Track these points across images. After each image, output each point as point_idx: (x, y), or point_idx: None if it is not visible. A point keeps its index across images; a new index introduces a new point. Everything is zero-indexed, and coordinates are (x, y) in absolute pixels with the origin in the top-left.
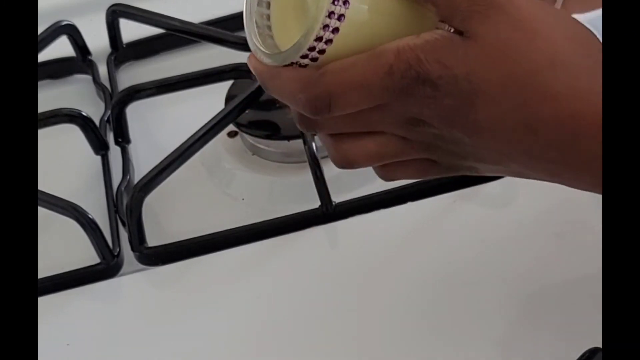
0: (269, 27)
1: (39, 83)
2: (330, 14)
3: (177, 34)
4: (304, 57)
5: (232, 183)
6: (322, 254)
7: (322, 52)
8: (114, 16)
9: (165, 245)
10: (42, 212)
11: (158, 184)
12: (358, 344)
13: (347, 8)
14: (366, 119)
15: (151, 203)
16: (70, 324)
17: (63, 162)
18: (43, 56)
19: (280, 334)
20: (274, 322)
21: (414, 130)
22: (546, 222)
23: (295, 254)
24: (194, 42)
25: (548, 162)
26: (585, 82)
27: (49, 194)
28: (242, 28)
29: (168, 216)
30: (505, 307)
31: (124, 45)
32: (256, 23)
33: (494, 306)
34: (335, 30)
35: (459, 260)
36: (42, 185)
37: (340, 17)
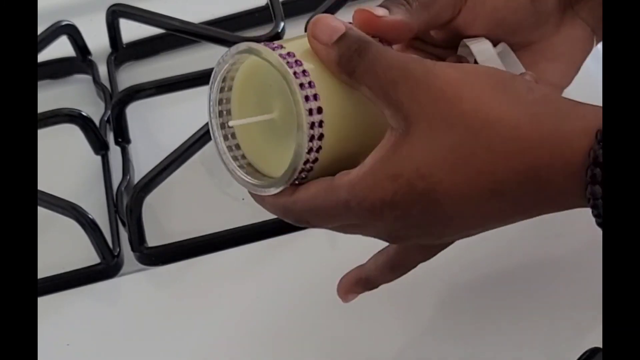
0: (244, 156)
1: (39, 83)
2: (309, 150)
3: (177, 34)
4: (296, 179)
5: (232, 183)
6: (321, 254)
7: (305, 176)
8: (114, 16)
9: (165, 245)
10: (42, 212)
11: (158, 184)
12: (358, 344)
13: (323, 140)
14: (349, 230)
15: (151, 203)
16: (70, 324)
17: (63, 162)
18: (43, 56)
19: (280, 334)
20: (273, 322)
21: (394, 241)
22: (546, 223)
23: (295, 254)
24: (194, 42)
25: (521, 213)
26: (525, 129)
27: (49, 194)
28: (242, 28)
29: (168, 216)
30: (505, 307)
31: (124, 45)
32: (232, 157)
33: (494, 306)
34: (314, 161)
35: (461, 260)
36: (42, 185)
37: (318, 149)
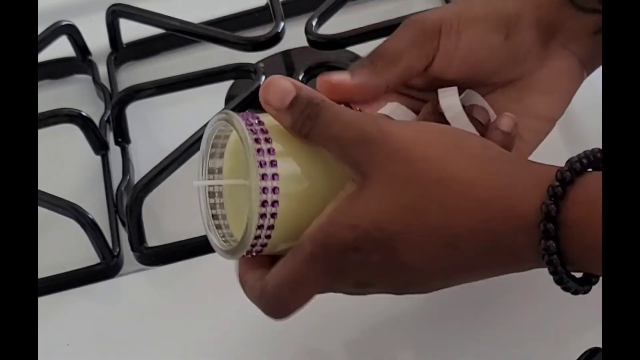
0: (224, 216)
1: (39, 83)
2: (262, 216)
3: (177, 34)
4: (251, 250)
5: None
6: None
7: (265, 242)
8: (114, 16)
9: (165, 245)
10: (42, 212)
11: (158, 184)
12: (358, 344)
13: (277, 207)
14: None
15: (151, 203)
16: (70, 324)
17: (63, 162)
18: (43, 56)
19: (280, 334)
20: (274, 322)
21: (362, 292)
22: None
23: None
24: (194, 42)
25: (480, 268)
26: (478, 186)
27: (49, 194)
28: (242, 28)
29: (168, 216)
30: (505, 307)
31: (124, 45)
32: (212, 214)
33: (493, 306)
34: (270, 227)
35: None
36: (42, 185)
37: (273, 215)
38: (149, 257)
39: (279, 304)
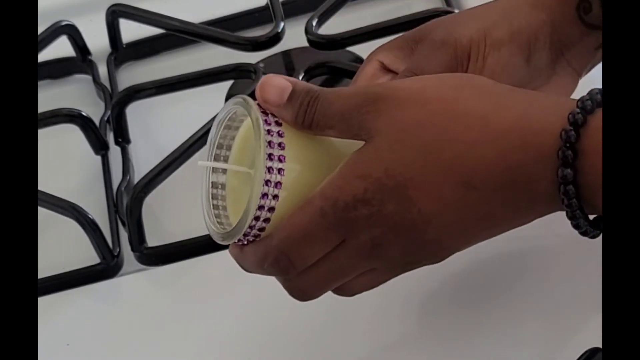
0: (225, 208)
1: (39, 83)
2: (260, 208)
3: (177, 34)
4: (247, 234)
5: None
6: None
7: (263, 227)
8: (114, 16)
9: (165, 245)
10: (42, 212)
11: (158, 184)
12: (358, 344)
13: (280, 188)
14: (336, 263)
15: (151, 203)
16: (70, 324)
17: (63, 162)
18: (43, 56)
19: (280, 334)
20: (273, 322)
21: (378, 257)
22: (546, 222)
23: None
24: (194, 42)
25: (499, 209)
26: (493, 118)
27: (49, 194)
28: (242, 28)
29: (168, 216)
30: (504, 307)
31: (124, 45)
32: (213, 204)
33: (493, 306)
34: (271, 209)
35: (460, 261)
36: (42, 185)
37: (271, 209)
38: (149, 257)
39: (285, 258)
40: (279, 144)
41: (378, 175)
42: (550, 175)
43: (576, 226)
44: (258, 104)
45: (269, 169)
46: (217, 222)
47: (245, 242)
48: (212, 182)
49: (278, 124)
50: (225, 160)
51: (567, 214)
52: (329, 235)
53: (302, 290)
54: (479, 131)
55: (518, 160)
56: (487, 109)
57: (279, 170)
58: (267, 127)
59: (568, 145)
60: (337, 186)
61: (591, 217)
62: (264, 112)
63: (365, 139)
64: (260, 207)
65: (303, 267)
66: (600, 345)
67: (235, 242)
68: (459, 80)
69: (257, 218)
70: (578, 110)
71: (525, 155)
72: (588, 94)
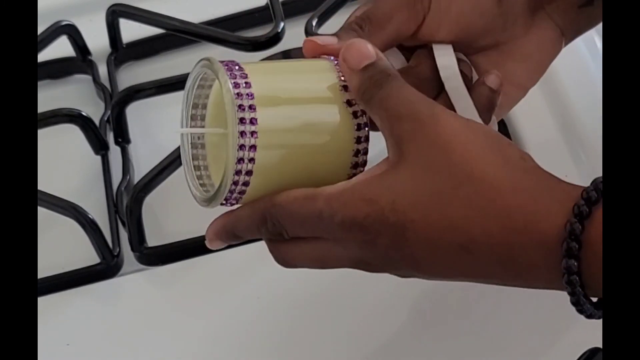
0: (206, 167)
1: (39, 83)
2: (240, 160)
3: (177, 34)
4: (229, 198)
5: None
6: None
7: (244, 190)
8: (114, 16)
9: (165, 245)
10: (42, 212)
11: (158, 184)
12: (359, 344)
13: (255, 152)
14: (321, 252)
15: (151, 203)
16: (70, 324)
17: (63, 162)
18: (43, 56)
19: (279, 334)
20: (273, 323)
21: (360, 267)
22: None
23: None
24: (194, 42)
25: (490, 276)
26: (505, 193)
27: (49, 194)
28: (242, 28)
29: (168, 216)
30: (504, 307)
31: (124, 45)
32: (193, 169)
33: (493, 306)
34: (249, 172)
35: None
36: (42, 185)
37: (251, 159)
38: (149, 257)
39: (279, 226)
40: (250, 106)
41: (383, 205)
42: (552, 263)
43: (581, 311)
44: (222, 62)
45: (242, 134)
46: (200, 184)
47: (233, 202)
48: (191, 143)
49: (248, 85)
50: (202, 119)
51: (570, 300)
52: (321, 233)
53: (285, 259)
54: (489, 201)
55: (521, 242)
56: (503, 182)
57: (252, 134)
58: (237, 91)
59: (573, 237)
60: (343, 201)
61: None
62: (230, 70)
63: (392, 156)
64: (238, 172)
65: (294, 236)
66: (600, 345)
67: (222, 205)
68: (491, 142)
69: (235, 182)
70: (583, 202)
71: (528, 239)
72: (592, 184)
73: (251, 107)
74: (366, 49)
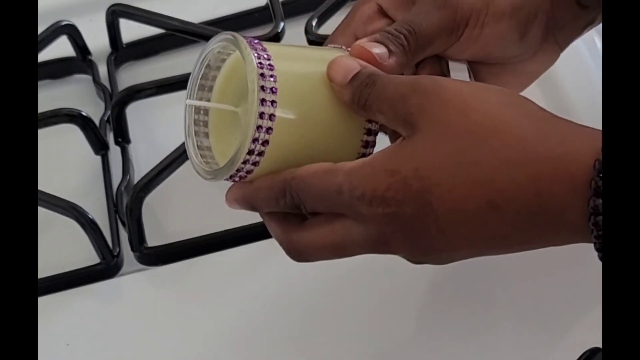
0: (209, 148)
1: (39, 83)
2: (258, 128)
3: (177, 34)
4: (235, 175)
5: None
6: None
7: (252, 169)
8: (114, 16)
9: (165, 245)
10: (42, 212)
11: (158, 184)
12: (359, 344)
13: (274, 121)
14: (337, 236)
15: (151, 203)
16: (70, 324)
17: (63, 162)
18: (43, 56)
19: (279, 334)
20: (273, 323)
21: (379, 250)
22: None
23: None
24: (194, 42)
25: (514, 234)
26: (532, 141)
27: (49, 194)
28: (242, 28)
29: (168, 216)
30: (504, 307)
31: (124, 45)
32: (196, 143)
33: (493, 306)
34: (261, 153)
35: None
36: (42, 185)
37: (265, 142)
38: (149, 257)
39: (297, 197)
40: (272, 89)
41: (406, 174)
42: (580, 204)
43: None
44: (248, 40)
45: (261, 115)
46: (202, 154)
47: (237, 179)
48: (194, 120)
49: (271, 67)
50: (210, 90)
51: (594, 245)
52: (340, 208)
53: (299, 250)
54: (517, 151)
55: (549, 189)
56: (528, 132)
57: (270, 117)
58: (261, 71)
59: (601, 175)
60: (363, 174)
61: None
62: (255, 50)
63: (406, 135)
64: (250, 152)
65: (312, 210)
66: (600, 345)
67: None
68: (506, 98)
69: (245, 162)
70: None
71: (557, 184)
72: None
73: (273, 90)
74: (350, 63)
